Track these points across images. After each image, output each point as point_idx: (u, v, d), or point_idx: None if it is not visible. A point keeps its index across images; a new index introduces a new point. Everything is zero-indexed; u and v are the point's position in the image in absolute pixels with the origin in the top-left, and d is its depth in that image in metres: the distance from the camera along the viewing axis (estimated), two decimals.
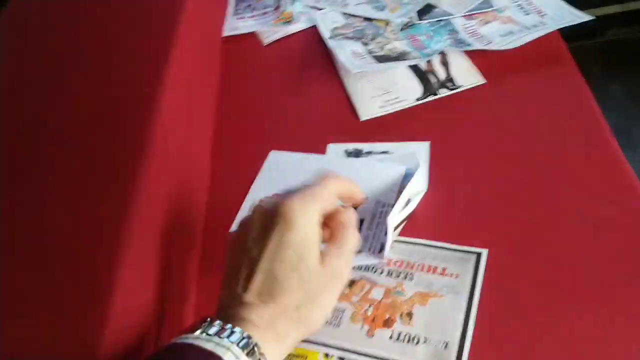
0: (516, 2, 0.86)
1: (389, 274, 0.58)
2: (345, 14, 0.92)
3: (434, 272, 0.58)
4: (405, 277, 0.58)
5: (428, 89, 0.78)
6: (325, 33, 0.88)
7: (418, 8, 0.87)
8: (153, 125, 0.59)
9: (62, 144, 0.59)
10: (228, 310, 0.44)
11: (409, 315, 0.55)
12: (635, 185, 0.62)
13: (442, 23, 0.86)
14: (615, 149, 0.66)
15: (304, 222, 0.45)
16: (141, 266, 0.51)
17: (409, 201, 0.63)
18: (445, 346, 0.52)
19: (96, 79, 0.66)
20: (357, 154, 0.72)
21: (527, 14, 0.83)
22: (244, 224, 0.48)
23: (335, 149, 0.74)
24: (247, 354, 0.40)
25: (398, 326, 0.54)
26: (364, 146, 0.73)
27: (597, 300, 0.54)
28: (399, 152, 0.71)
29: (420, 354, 0.51)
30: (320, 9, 0.95)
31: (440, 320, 0.54)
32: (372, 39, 0.85)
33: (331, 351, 0.53)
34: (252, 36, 0.95)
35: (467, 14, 0.85)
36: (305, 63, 0.88)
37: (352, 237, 0.49)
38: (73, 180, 0.55)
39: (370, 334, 0.54)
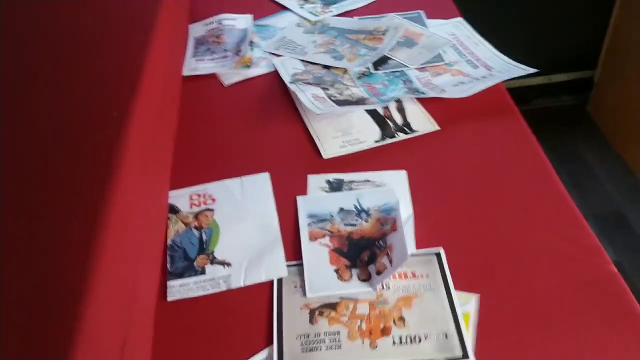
0: (465, 58, 0.93)
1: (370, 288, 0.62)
2: (304, 61, 0.96)
3: (406, 277, 0.62)
4: (383, 288, 0.61)
5: (386, 132, 0.82)
6: (286, 77, 0.91)
7: (374, 59, 0.92)
8: (121, 153, 0.58)
9: (22, 163, 0.56)
10: None
11: (401, 319, 0.58)
12: (583, 224, 0.67)
13: (397, 73, 0.91)
14: (562, 190, 0.72)
15: None
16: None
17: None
18: (446, 336, 0.56)
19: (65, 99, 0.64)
20: (339, 183, 0.74)
21: (476, 68, 0.90)
22: None
23: (316, 180, 0.75)
24: None
25: (396, 332, 0.57)
26: (344, 176, 0.75)
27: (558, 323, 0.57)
28: (379, 180, 0.75)
29: (427, 350, 0.55)
30: (280, 56, 0.98)
31: (430, 316, 0.58)
32: (332, 85, 0.89)
33: None
34: (212, 77, 0.96)
35: (420, 67, 0.91)
36: (267, 104, 0.90)
37: None
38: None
39: (373, 345, 0.56)
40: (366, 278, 0.63)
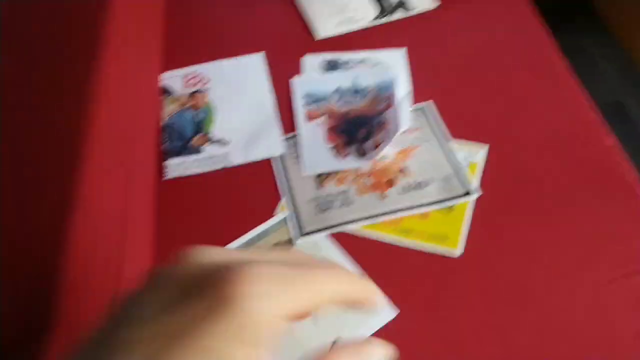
0: None
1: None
2: None
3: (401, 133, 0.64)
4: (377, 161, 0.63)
5: (383, 10, 0.79)
6: None
7: None
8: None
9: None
10: None
11: (403, 170, 0.61)
12: (581, 100, 0.67)
13: None
14: (562, 68, 0.70)
15: (259, 311, 0.21)
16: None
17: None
18: (447, 178, 0.60)
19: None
20: (334, 64, 0.73)
21: None
22: (150, 283, 0.22)
23: (311, 60, 0.73)
24: None
25: (401, 181, 0.60)
26: (340, 56, 0.73)
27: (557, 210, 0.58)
28: (376, 60, 0.73)
29: (432, 193, 0.59)
30: None
31: (430, 163, 0.62)
32: None
33: (359, 223, 0.57)
34: None
35: None
36: None
37: None
38: None
39: (382, 196, 0.59)
40: (363, 153, 0.63)
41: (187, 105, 0.70)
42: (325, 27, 0.77)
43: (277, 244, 0.57)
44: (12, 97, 0.51)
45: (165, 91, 0.72)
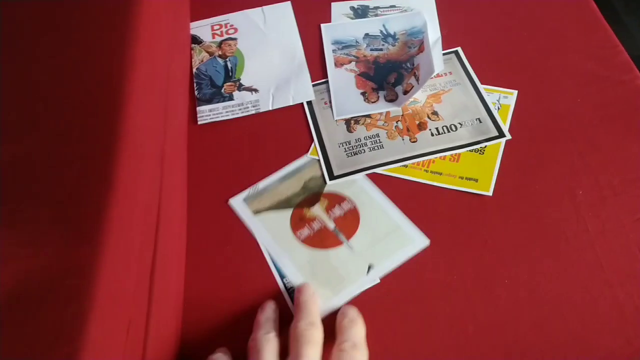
0: None
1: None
2: None
3: (430, 78, 0.64)
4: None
5: None
6: None
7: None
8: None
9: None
10: None
11: (435, 113, 0.61)
12: (615, 42, 0.66)
13: None
14: (594, 12, 0.69)
15: None
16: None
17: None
18: (479, 121, 0.60)
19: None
20: (363, 10, 0.72)
21: None
22: None
23: (340, 7, 0.73)
24: None
25: (432, 124, 0.60)
26: (369, 2, 0.73)
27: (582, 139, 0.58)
28: (405, 5, 0.72)
29: (464, 135, 0.59)
30: None
31: (461, 106, 0.62)
32: None
33: (389, 167, 0.58)
34: None
35: None
36: None
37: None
38: None
39: (413, 140, 0.59)
40: (393, 98, 0.64)
41: (217, 54, 0.71)
42: None
43: (311, 180, 0.58)
44: (54, 42, 0.52)
45: (195, 40, 0.72)
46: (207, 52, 0.71)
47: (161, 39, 0.62)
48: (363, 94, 0.65)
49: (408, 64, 0.66)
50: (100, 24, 0.54)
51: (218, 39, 0.72)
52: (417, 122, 0.60)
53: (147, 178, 0.49)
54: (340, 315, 0.47)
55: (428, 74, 0.62)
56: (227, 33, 0.73)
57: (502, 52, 0.67)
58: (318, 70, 0.68)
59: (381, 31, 0.70)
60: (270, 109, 0.65)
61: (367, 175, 0.58)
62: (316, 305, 0.48)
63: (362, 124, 0.61)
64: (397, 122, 0.61)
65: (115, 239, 0.41)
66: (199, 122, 0.65)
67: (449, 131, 0.59)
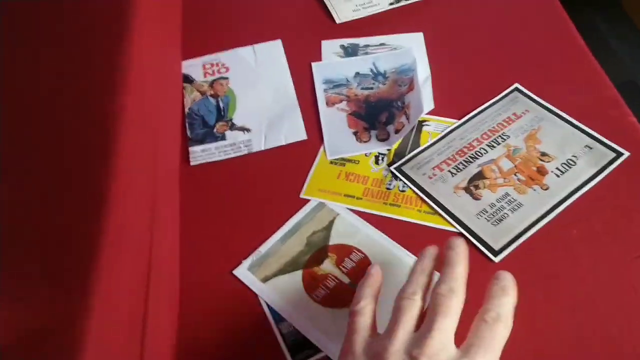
0: None
1: (491, 147, 0.61)
2: None
3: (509, 121, 0.63)
4: (503, 139, 0.62)
5: None
6: None
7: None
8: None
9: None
10: None
11: (544, 154, 0.59)
12: (602, 76, 0.66)
13: None
14: (581, 45, 0.70)
15: None
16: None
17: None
18: (589, 147, 0.59)
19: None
20: (353, 48, 0.73)
21: None
22: None
23: (330, 45, 0.74)
24: None
25: (549, 166, 0.58)
26: (359, 40, 0.74)
27: None
28: (395, 44, 0.73)
29: (585, 167, 0.58)
30: None
31: (562, 139, 0.60)
32: None
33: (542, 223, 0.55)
34: None
35: None
36: None
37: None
38: None
39: (544, 187, 0.57)
40: (385, 137, 0.64)
41: (209, 93, 0.71)
42: (343, 11, 0.77)
43: (313, 234, 0.57)
44: (41, 89, 0.52)
45: (187, 79, 0.73)
46: (199, 91, 0.72)
47: (152, 79, 0.62)
48: (355, 133, 0.65)
49: (399, 103, 0.66)
50: (89, 64, 0.54)
51: (210, 77, 0.73)
52: (535, 169, 0.58)
53: (138, 227, 0.49)
54: (494, 280, 0.43)
55: (418, 113, 0.62)
56: (218, 72, 0.73)
57: (488, 86, 0.67)
58: (310, 109, 0.68)
59: (371, 69, 0.71)
60: (263, 149, 0.65)
61: (363, 218, 0.58)
62: (461, 266, 0.43)
63: (484, 187, 0.58)
64: (515, 174, 0.58)
65: (104, 292, 0.40)
66: (192, 163, 0.65)
67: (569, 167, 0.58)
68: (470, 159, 0.60)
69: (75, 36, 0.56)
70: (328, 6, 0.78)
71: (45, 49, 0.55)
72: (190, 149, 0.66)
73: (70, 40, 0.55)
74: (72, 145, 0.47)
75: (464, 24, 0.75)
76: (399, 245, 0.55)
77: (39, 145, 0.48)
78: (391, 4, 0.78)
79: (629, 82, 1.59)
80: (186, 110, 0.70)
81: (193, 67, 0.74)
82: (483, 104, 0.65)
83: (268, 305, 0.53)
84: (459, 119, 0.64)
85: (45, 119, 0.50)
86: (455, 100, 0.66)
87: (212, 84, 0.72)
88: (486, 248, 0.54)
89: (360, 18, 0.76)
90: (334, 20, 0.76)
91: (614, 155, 0.58)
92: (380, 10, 0.77)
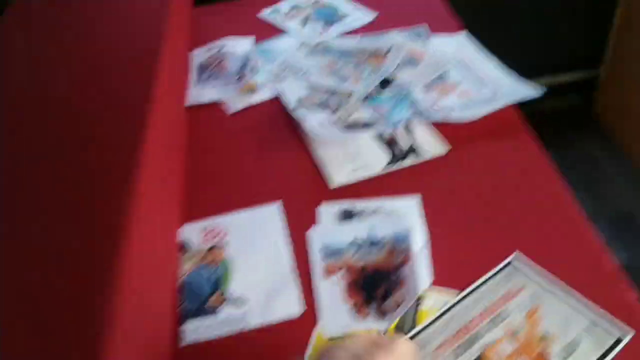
0: (471, 77, 0.91)
1: (492, 326, 0.59)
2: (308, 85, 0.95)
3: (508, 299, 0.61)
4: (500, 319, 0.60)
5: (395, 156, 0.81)
6: (291, 103, 0.90)
7: (379, 80, 0.91)
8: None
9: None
10: None
11: (544, 338, 0.57)
12: (601, 255, 0.66)
13: (403, 93, 0.90)
14: (579, 215, 0.70)
15: None
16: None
17: None
18: (595, 324, 0.57)
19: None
20: (349, 213, 0.74)
21: (482, 88, 0.89)
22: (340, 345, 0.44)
23: (326, 210, 0.75)
24: None
25: (552, 349, 0.56)
26: (355, 205, 0.75)
27: None
28: (391, 208, 0.74)
29: (589, 348, 0.55)
30: (282, 80, 0.97)
31: (564, 317, 0.58)
32: (337, 109, 0.88)
33: None
34: (215, 106, 0.95)
35: (425, 87, 0.90)
36: (273, 131, 0.89)
37: None
38: None
39: None
40: (383, 313, 0.62)
41: (205, 262, 0.71)
42: (339, 174, 0.79)
43: None
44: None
45: (183, 247, 0.73)
46: (195, 259, 0.71)
47: (150, 252, 0.62)
48: (353, 306, 0.63)
49: (395, 276, 0.65)
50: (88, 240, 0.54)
51: (207, 244, 0.73)
52: (536, 352, 0.56)
53: None
54: None
55: (415, 289, 0.61)
56: (216, 237, 0.73)
57: (487, 252, 0.66)
58: (307, 278, 0.67)
59: (368, 237, 0.70)
60: (256, 326, 0.63)
61: None
62: None
63: None
64: (518, 357, 0.56)
65: None
66: (183, 343, 0.62)
67: (573, 350, 0.55)
68: (471, 341, 0.58)
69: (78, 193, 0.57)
70: (323, 169, 0.80)
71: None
72: (182, 327, 0.64)
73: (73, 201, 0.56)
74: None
75: (461, 186, 0.76)
76: None
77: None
78: (386, 166, 0.79)
79: (626, 213, 1.59)
80: (180, 281, 0.69)
81: (192, 232, 0.74)
82: (484, 271, 0.64)
83: None
84: (460, 289, 0.63)
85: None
86: (455, 268, 0.65)
87: (209, 251, 0.72)
88: None
89: (357, 182, 0.78)
90: (330, 183, 0.78)
91: (619, 333, 0.56)
92: (375, 174, 0.79)
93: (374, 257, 0.68)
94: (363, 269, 0.67)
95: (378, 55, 0.96)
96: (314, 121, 0.85)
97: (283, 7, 1.16)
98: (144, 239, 0.59)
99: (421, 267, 0.64)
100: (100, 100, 0.71)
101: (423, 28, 1.04)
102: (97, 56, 0.79)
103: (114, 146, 0.63)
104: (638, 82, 1.73)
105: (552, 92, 2.01)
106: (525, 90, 0.86)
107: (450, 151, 0.81)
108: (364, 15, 1.11)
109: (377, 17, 1.10)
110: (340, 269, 0.68)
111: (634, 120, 1.77)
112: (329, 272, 0.67)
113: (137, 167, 0.60)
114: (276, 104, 0.93)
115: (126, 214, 0.55)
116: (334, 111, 0.88)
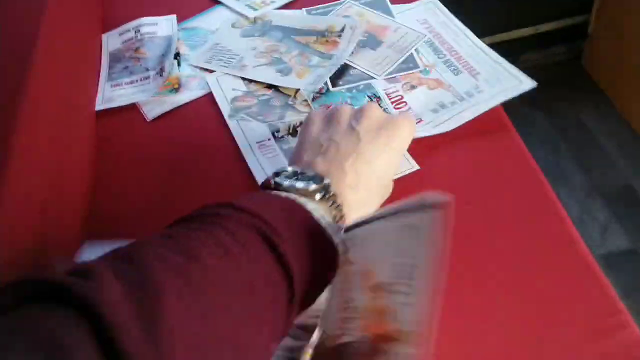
0: (444, 57, 0.74)
1: None
2: (244, 79, 0.76)
3: None
4: None
5: None
6: (224, 108, 0.72)
7: (329, 74, 0.72)
8: None
9: None
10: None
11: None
12: (593, 266, 0.54)
13: (360, 87, 0.72)
14: (563, 217, 0.58)
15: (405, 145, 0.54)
16: None
17: None
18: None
19: None
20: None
21: (458, 74, 0.71)
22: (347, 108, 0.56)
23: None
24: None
25: None
26: None
27: None
28: None
29: None
30: (213, 71, 0.78)
31: None
32: (280, 118, 0.70)
33: None
34: (132, 109, 0.76)
35: (388, 77, 0.72)
36: (204, 139, 0.71)
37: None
38: None
39: None
40: None
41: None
42: None
43: None
44: None
45: None
46: None
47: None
48: None
49: None
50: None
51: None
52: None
53: None
54: None
55: None
56: None
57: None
58: None
59: None
60: None
61: None
62: None
63: None
64: None
65: None
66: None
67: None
68: None
69: None
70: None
71: None
72: None
73: None
74: None
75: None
76: None
77: None
78: None
79: (624, 187, 1.45)
80: None
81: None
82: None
83: None
84: None
85: None
86: None
87: None
88: None
89: None
90: None
91: None
92: None
93: None
94: None
95: (329, 38, 0.77)
96: (252, 138, 0.68)
97: None
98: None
99: None
100: None
101: None
102: None
103: None
104: (632, 32, 1.55)
105: (536, 43, 1.84)
106: (511, 76, 0.68)
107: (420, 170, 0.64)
108: None
109: None
110: None
111: (627, 76, 1.60)
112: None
113: None
114: (206, 102, 0.75)
115: None
116: (278, 121, 0.70)
